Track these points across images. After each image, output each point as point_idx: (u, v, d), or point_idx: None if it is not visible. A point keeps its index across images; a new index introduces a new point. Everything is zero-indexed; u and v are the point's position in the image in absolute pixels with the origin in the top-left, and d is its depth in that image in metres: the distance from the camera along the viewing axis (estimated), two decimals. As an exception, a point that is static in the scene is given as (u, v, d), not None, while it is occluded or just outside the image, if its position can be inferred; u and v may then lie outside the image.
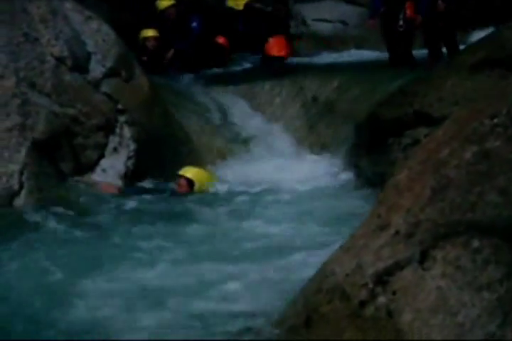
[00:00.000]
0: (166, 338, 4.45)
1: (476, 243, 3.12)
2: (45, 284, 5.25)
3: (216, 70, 11.72)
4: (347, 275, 3.49)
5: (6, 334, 4.53)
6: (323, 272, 3.76)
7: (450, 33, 10.10)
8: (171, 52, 11.63)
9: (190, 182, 7.99)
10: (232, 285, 5.13)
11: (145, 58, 10.84)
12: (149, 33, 11.46)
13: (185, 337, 4.41)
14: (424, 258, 3.23)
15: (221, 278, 5.26)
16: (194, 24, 11.67)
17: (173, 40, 11.64)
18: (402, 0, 10.35)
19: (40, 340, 4.59)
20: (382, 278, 3.31)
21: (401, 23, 10.36)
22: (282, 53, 11.47)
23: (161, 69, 11.00)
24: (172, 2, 11.59)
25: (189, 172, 8.10)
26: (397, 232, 3.38)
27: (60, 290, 5.14)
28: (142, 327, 4.54)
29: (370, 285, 3.33)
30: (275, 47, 11.40)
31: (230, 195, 7.89)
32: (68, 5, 8.78)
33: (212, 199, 7.73)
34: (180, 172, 8.04)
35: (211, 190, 8.07)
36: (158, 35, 11.47)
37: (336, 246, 3.88)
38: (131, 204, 7.44)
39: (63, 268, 5.48)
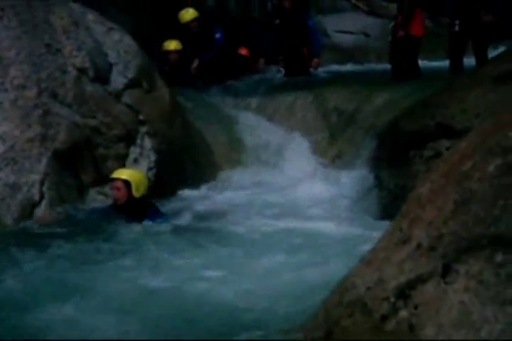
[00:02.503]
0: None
1: (499, 257, 3.08)
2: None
3: (239, 81, 11.71)
4: (368, 288, 3.46)
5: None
6: (345, 285, 3.73)
7: (484, 45, 9.97)
8: (196, 62, 11.64)
9: (127, 185, 7.26)
10: (252, 297, 5.11)
11: (166, 68, 10.86)
12: (171, 46, 11.45)
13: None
14: (446, 272, 3.19)
15: (240, 290, 5.25)
16: (218, 35, 11.68)
17: (197, 51, 11.67)
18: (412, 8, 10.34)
19: (40, 340, 4.59)
20: (404, 292, 3.27)
21: (402, 32, 10.35)
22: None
23: (182, 79, 10.94)
24: (195, 15, 11.59)
25: (123, 173, 7.41)
26: (419, 246, 3.34)
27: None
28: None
29: (392, 299, 3.29)
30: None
31: (248, 207, 7.87)
32: (90, 16, 8.82)
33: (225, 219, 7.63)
34: (114, 175, 7.36)
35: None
36: (180, 48, 11.46)
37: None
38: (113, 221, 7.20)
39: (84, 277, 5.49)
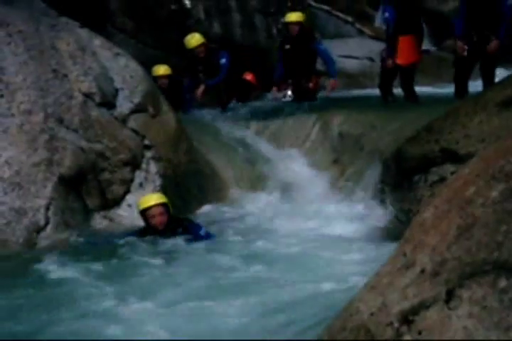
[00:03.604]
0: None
1: (503, 282, 3.07)
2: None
3: (243, 106, 11.76)
4: (372, 314, 3.45)
5: None
6: (348, 310, 3.72)
7: (491, 69, 10.04)
8: (202, 88, 11.69)
9: (165, 208, 7.37)
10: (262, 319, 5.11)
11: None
12: (160, 71, 11.45)
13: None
14: (450, 297, 3.18)
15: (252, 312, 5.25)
16: (223, 60, 11.73)
17: (203, 76, 11.73)
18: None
19: (41, 340, 4.58)
20: (407, 318, 3.26)
21: (390, 61, 10.61)
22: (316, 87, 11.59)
23: (177, 105, 10.78)
24: (201, 41, 11.64)
25: (156, 198, 7.45)
26: (422, 271, 3.34)
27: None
28: None
29: (396, 325, 3.28)
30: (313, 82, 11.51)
31: (255, 232, 7.86)
32: (97, 42, 8.89)
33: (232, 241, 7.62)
34: (151, 203, 7.33)
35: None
36: (169, 72, 11.45)
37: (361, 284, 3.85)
38: (161, 243, 7.19)
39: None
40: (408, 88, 10.82)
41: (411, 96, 10.78)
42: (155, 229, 7.30)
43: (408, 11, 10.70)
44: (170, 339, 4.74)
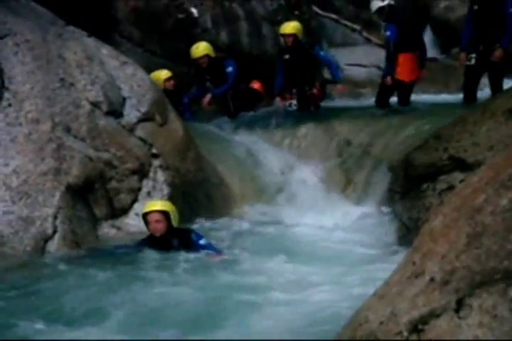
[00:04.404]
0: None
1: (513, 291, 3.06)
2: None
3: (251, 114, 11.75)
4: (381, 323, 3.43)
5: None
6: (357, 319, 3.70)
7: (499, 77, 10.07)
8: (208, 97, 11.70)
9: (165, 216, 7.23)
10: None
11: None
12: (162, 75, 11.43)
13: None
14: (460, 306, 3.16)
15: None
16: (230, 69, 11.72)
17: (210, 84, 11.74)
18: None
19: (41, 340, 4.57)
20: (417, 327, 3.24)
21: (389, 79, 10.90)
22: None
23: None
24: (205, 52, 11.63)
25: (159, 205, 7.35)
26: (432, 280, 3.32)
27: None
28: None
29: (405, 334, 3.26)
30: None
31: (263, 240, 7.84)
32: (104, 50, 8.90)
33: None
34: (150, 209, 7.26)
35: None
36: (170, 75, 11.42)
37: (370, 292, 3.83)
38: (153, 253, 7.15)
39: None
40: (406, 100, 10.99)
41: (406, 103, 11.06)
42: (152, 235, 7.25)
43: (410, 29, 11.01)
44: (169, 339, 4.73)
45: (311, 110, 11.38)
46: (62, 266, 6.66)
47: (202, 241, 7.20)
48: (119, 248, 7.33)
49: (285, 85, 11.60)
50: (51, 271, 6.54)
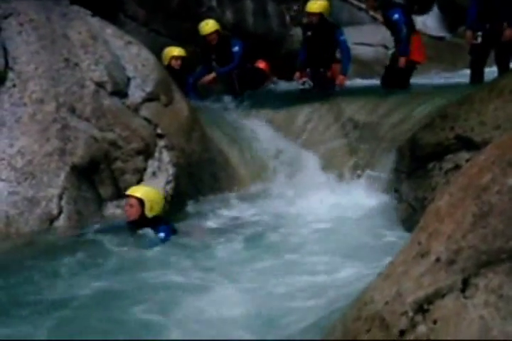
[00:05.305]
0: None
1: (519, 271, 3.04)
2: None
3: (258, 93, 11.71)
4: (386, 303, 3.41)
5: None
6: (363, 299, 3.69)
7: (506, 56, 10.02)
8: (212, 75, 11.66)
9: (140, 203, 7.16)
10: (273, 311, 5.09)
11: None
12: (175, 52, 11.41)
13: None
14: (465, 286, 3.14)
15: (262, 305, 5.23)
16: (236, 48, 11.66)
17: (216, 64, 11.69)
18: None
19: (41, 340, 4.59)
20: (422, 307, 3.23)
21: (403, 61, 10.81)
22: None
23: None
24: (214, 28, 11.59)
25: (139, 191, 7.29)
26: (437, 259, 3.30)
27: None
28: None
29: (410, 314, 3.25)
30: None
31: (267, 222, 7.84)
32: (109, 30, 8.86)
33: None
34: (129, 192, 7.26)
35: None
36: (183, 54, 11.40)
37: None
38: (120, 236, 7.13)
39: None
40: (407, 82, 11.02)
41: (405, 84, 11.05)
42: (127, 219, 7.26)
43: (412, 10, 11.03)
44: (168, 339, 4.73)
45: (327, 90, 11.25)
46: (67, 246, 6.69)
47: (161, 234, 7.11)
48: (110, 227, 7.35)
49: (305, 61, 11.49)
50: (56, 251, 6.56)
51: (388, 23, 11.02)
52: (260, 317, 5.02)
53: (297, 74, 11.50)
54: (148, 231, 7.06)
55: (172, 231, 7.21)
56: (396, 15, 10.77)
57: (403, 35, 10.71)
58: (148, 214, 7.15)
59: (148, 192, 7.31)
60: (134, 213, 7.16)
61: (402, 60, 10.74)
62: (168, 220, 7.37)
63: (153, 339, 4.72)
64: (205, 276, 5.90)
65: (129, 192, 7.27)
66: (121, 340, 4.66)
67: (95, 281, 5.77)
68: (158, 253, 6.65)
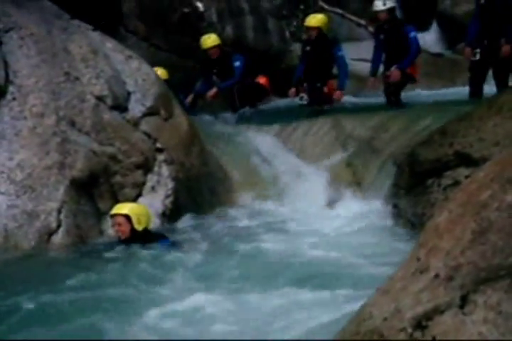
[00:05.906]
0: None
1: (518, 288, 3.04)
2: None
3: (256, 109, 11.74)
4: (385, 318, 3.41)
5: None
6: (361, 315, 3.69)
7: (505, 73, 10.07)
8: (214, 90, 11.68)
9: (127, 219, 7.23)
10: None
11: None
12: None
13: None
14: (464, 302, 3.14)
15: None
16: (237, 63, 11.70)
17: (216, 78, 11.73)
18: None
19: (41, 340, 4.58)
20: (421, 323, 3.22)
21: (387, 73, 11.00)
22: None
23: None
24: (216, 42, 11.63)
25: (122, 208, 7.36)
26: (436, 276, 3.30)
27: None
28: None
29: (409, 330, 3.25)
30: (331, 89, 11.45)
31: (266, 236, 7.83)
32: (109, 44, 8.89)
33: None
34: (113, 212, 7.35)
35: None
36: (166, 77, 11.24)
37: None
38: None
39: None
40: (398, 97, 11.13)
41: (397, 102, 11.10)
42: (119, 238, 7.30)
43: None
44: (167, 339, 4.74)
45: (324, 107, 11.27)
46: (65, 260, 6.68)
47: (163, 244, 7.19)
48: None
49: (301, 77, 11.49)
50: (54, 265, 6.55)
51: (399, 39, 10.97)
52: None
53: (292, 90, 11.50)
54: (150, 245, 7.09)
55: (172, 245, 7.24)
56: (413, 33, 10.81)
57: (415, 50, 10.76)
58: (138, 227, 7.22)
59: (132, 206, 7.44)
60: (125, 230, 7.23)
61: (394, 72, 10.82)
62: (164, 235, 7.43)
63: (153, 340, 4.72)
64: (203, 290, 5.90)
65: (113, 212, 7.34)
66: (122, 340, 4.66)
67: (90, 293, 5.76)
68: (157, 267, 6.64)
